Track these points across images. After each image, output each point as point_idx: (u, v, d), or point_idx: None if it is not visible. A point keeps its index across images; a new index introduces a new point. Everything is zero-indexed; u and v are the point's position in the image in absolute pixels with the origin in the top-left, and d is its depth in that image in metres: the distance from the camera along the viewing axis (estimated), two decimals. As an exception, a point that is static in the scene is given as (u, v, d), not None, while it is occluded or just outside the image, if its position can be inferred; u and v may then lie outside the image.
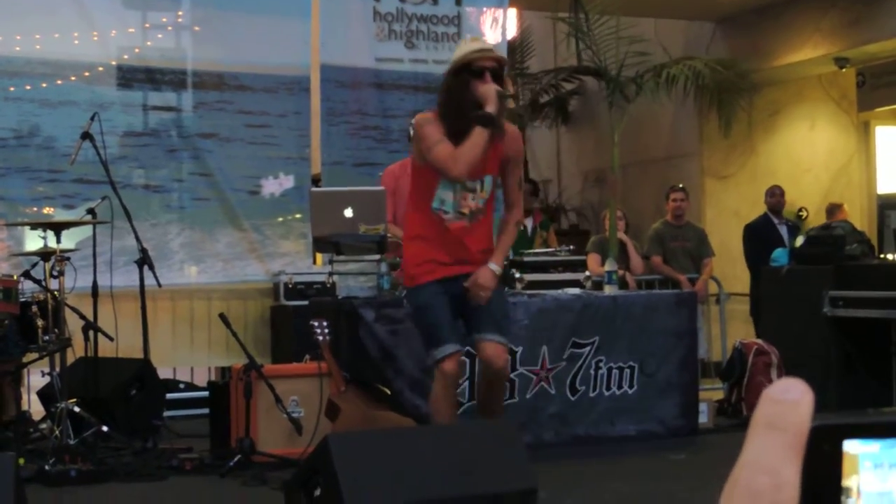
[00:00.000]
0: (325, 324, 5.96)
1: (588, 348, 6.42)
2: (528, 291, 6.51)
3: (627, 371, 6.53)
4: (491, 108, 4.80)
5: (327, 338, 5.95)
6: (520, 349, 6.27)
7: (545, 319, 6.36)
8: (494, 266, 4.96)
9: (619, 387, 6.51)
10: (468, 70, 4.86)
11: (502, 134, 4.94)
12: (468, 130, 4.79)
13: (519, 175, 5.21)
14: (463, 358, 5.23)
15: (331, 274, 6.51)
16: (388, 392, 6.11)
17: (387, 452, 4.56)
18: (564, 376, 6.39)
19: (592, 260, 8.25)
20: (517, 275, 6.58)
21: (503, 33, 9.08)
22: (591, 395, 6.45)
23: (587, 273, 6.84)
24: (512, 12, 10.93)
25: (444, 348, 4.94)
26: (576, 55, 9.64)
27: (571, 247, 7.13)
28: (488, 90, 4.79)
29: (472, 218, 4.99)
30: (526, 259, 6.83)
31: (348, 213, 6.37)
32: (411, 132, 5.28)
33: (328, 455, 4.42)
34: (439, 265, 5.02)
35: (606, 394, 6.49)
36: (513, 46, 11.47)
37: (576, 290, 6.62)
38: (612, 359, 6.49)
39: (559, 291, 6.57)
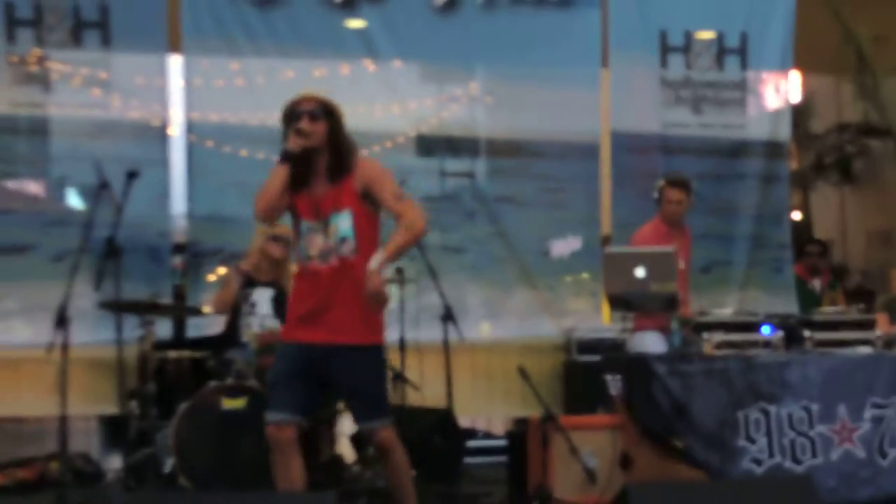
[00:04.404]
0: (618, 378, 6.01)
1: (891, 409, 6.19)
2: (820, 349, 6.36)
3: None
4: (288, 145, 4.82)
5: (621, 391, 5.99)
6: (815, 406, 6.12)
7: (838, 378, 6.17)
8: (373, 261, 4.70)
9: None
10: (291, 116, 4.89)
11: (345, 170, 4.87)
12: (305, 173, 4.87)
13: (389, 191, 4.89)
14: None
15: (624, 331, 6.54)
16: (680, 446, 6.08)
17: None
18: (871, 438, 6.17)
19: (882, 319, 7.97)
20: (808, 333, 6.44)
21: (787, 97, 8.94)
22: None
23: (878, 332, 6.63)
24: (796, 75, 10.73)
25: (269, 414, 4.90)
26: (862, 116, 9.37)
27: (862, 305, 6.91)
28: (291, 129, 4.84)
29: (324, 259, 4.87)
30: (816, 318, 6.68)
31: (640, 272, 6.41)
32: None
33: (627, 504, 4.46)
34: (297, 325, 4.94)
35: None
36: (797, 109, 11.24)
37: (867, 349, 6.43)
38: (919, 420, 6.22)
39: (850, 350, 6.39)
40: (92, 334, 7.33)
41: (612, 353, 6.96)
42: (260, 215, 4.96)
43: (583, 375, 7.53)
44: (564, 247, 8.44)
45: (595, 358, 7.38)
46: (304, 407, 4.92)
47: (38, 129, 8.07)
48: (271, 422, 4.86)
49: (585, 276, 8.48)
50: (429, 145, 8.57)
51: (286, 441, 4.87)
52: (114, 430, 7.84)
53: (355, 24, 8.35)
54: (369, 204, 4.92)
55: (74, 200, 8.13)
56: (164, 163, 8.07)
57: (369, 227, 4.95)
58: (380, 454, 5.07)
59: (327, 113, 4.92)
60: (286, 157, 4.83)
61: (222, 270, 7.94)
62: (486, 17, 8.46)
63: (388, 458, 5.01)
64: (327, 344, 4.84)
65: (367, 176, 4.90)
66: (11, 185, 8.02)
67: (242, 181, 8.13)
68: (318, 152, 4.89)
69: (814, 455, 6.10)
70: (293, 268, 7.38)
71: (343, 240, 4.87)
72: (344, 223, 4.87)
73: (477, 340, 7.92)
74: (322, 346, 4.85)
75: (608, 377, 6.04)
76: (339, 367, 4.87)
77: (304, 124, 4.83)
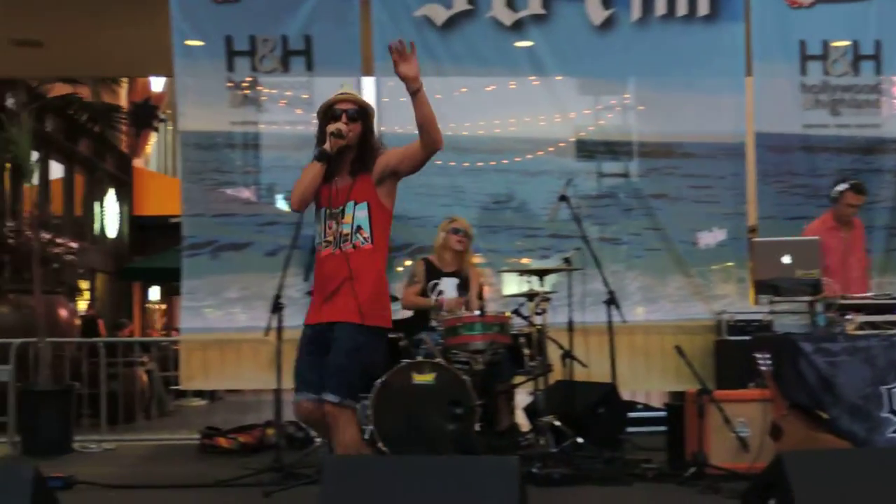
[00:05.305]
0: (767, 356, 5.82)
1: None
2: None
3: None
4: (326, 146, 4.58)
5: (770, 368, 5.81)
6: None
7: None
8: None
9: None
10: (329, 113, 4.66)
11: (368, 167, 4.59)
12: (331, 165, 4.62)
13: (400, 151, 4.63)
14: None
15: (772, 313, 6.34)
16: (825, 417, 5.86)
17: (836, 470, 4.34)
18: None
19: None
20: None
21: (919, 99, 8.53)
22: None
23: None
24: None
25: (295, 394, 4.66)
26: None
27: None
28: (329, 130, 4.59)
29: (338, 244, 4.59)
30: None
31: (786, 259, 6.23)
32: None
33: (783, 471, 4.28)
34: (314, 309, 4.68)
35: None
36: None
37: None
38: None
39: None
40: (302, 318, 7.45)
41: (762, 332, 6.77)
42: (294, 206, 4.73)
43: (733, 353, 7.31)
44: (710, 238, 8.25)
45: (743, 338, 7.19)
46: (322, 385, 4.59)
47: (251, 144, 8.28)
48: (298, 400, 4.63)
49: (730, 264, 8.25)
50: (588, 149, 8.46)
51: (318, 416, 4.60)
52: (320, 402, 7.96)
53: (523, 43, 8.32)
54: (385, 197, 4.65)
55: (282, 204, 8.30)
56: (359, 170, 8.15)
57: (383, 221, 4.66)
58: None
59: (363, 115, 4.69)
60: (322, 156, 4.60)
61: (408, 262, 7.99)
62: (640, 33, 8.31)
63: (333, 435, 4.60)
64: (329, 322, 4.59)
65: (382, 159, 4.64)
66: (230, 192, 8.23)
67: (426, 184, 8.21)
68: (349, 149, 4.65)
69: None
70: (473, 259, 7.42)
71: (359, 228, 4.60)
72: (361, 213, 4.60)
73: (635, 322, 7.78)
74: (326, 324, 4.60)
75: (758, 355, 5.83)
76: (332, 341, 4.57)
77: (342, 125, 4.61)
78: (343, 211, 4.61)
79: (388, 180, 4.66)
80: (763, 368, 5.80)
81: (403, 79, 4.45)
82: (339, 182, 4.65)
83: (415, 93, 4.44)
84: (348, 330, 4.53)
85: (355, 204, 4.61)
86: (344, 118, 4.62)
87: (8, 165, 14.13)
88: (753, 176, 8.27)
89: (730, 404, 6.00)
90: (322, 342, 4.60)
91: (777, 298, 6.35)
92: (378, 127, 8.17)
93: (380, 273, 4.67)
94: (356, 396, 4.65)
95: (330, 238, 4.63)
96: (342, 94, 4.73)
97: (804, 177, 8.18)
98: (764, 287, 6.28)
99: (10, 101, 14.49)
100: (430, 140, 4.53)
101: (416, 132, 7.80)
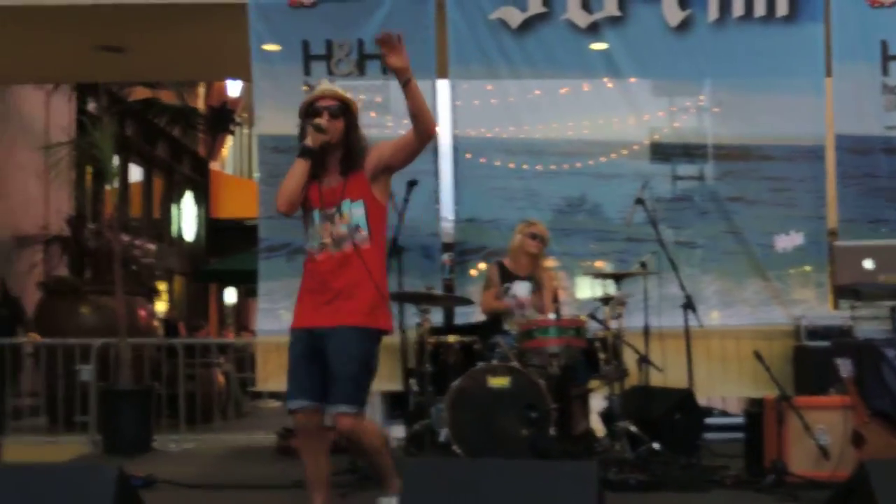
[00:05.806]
0: (848, 361, 5.71)
1: None
2: None
3: None
4: (307, 141, 4.45)
5: (851, 374, 5.69)
6: None
7: None
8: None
9: None
10: (310, 111, 4.53)
11: (358, 165, 4.49)
12: (319, 165, 4.50)
13: (392, 144, 4.60)
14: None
15: (853, 318, 6.22)
16: (910, 425, 5.72)
17: (922, 480, 4.23)
18: None
19: None
20: None
21: None
22: None
23: None
24: None
25: (290, 402, 4.51)
26: None
27: None
28: (309, 124, 4.48)
29: (337, 246, 4.44)
30: None
31: (868, 264, 6.12)
32: None
33: (866, 480, 4.19)
34: (303, 311, 4.52)
35: None
36: None
37: None
38: None
39: None
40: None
41: (843, 338, 6.63)
42: (282, 209, 4.53)
43: (812, 359, 7.18)
44: (788, 241, 8.10)
45: (823, 343, 7.05)
46: (322, 392, 4.48)
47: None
48: (296, 409, 4.48)
49: (808, 268, 8.10)
50: (662, 152, 8.36)
51: (314, 426, 4.51)
52: (396, 404, 7.99)
53: (598, 46, 8.25)
54: (380, 193, 4.55)
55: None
56: (434, 173, 8.10)
57: (380, 218, 4.55)
58: (346, 442, 4.59)
59: (345, 111, 4.54)
60: (306, 153, 4.47)
61: (483, 266, 7.98)
62: (717, 34, 8.19)
63: (356, 446, 4.56)
64: (328, 327, 4.43)
65: (374, 154, 4.54)
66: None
67: (500, 187, 8.22)
68: (335, 146, 4.51)
69: None
70: (548, 262, 7.38)
71: (356, 227, 4.47)
72: (357, 212, 4.47)
73: (712, 327, 7.67)
74: (323, 328, 4.44)
75: (838, 360, 5.71)
76: (329, 347, 4.43)
77: (324, 121, 4.47)
78: (339, 211, 4.48)
79: (382, 175, 4.57)
80: (844, 375, 5.69)
81: (394, 70, 4.41)
82: (329, 182, 4.53)
83: (406, 83, 4.40)
84: (354, 335, 4.43)
85: (351, 202, 4.50)
86: (325, 115, 4.51)
87: (90, 168, 14.41)
88: (833, 178, 8.13)
89: (810, 411, 5.89)
90: (317, 347, 4.48)
91: (858, 303, 6.22)
92: (452, 130, 8.24)
93: (381, 272, 4.58)
94: (366, 401, 4.56)
95: (327, 240, 4.49)
96: (323, 90, 4.62)
97: (885, 179, 8.00)
98: (845, 292, 6.17)
99: (92, 106, 14.77)
100: (423, 128, 4.47)
101: (489, 135, 7.72)
